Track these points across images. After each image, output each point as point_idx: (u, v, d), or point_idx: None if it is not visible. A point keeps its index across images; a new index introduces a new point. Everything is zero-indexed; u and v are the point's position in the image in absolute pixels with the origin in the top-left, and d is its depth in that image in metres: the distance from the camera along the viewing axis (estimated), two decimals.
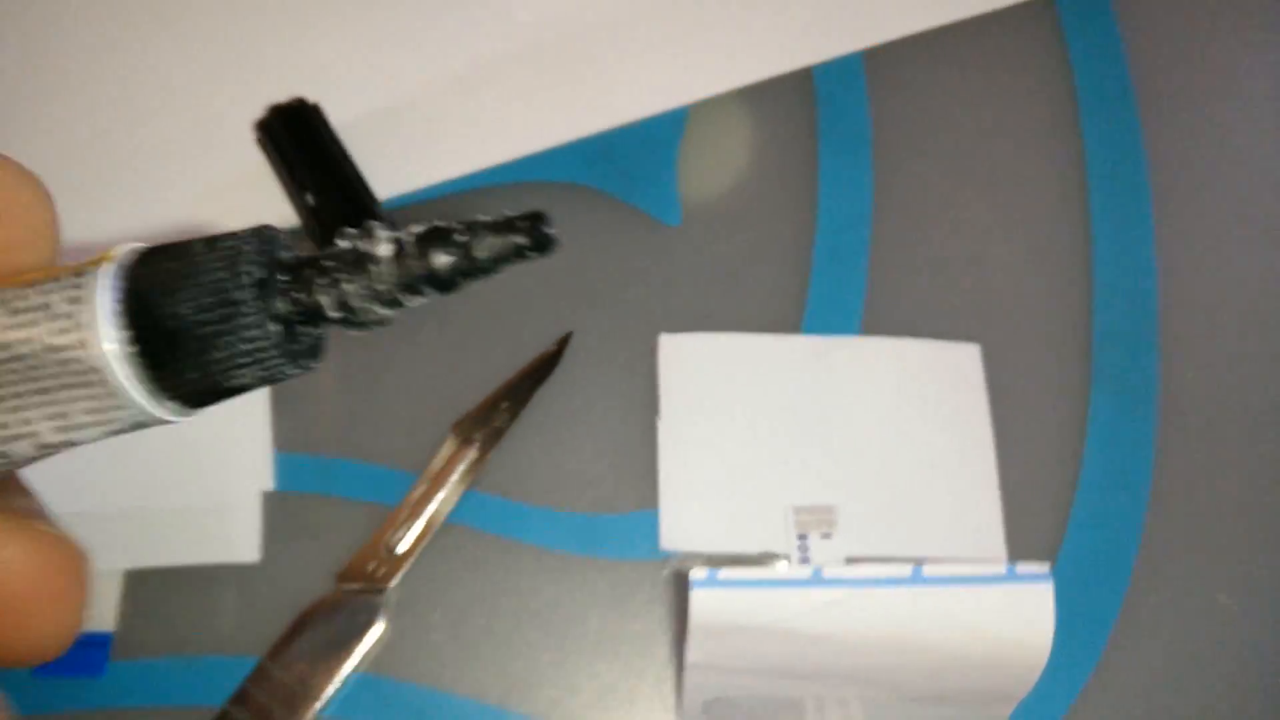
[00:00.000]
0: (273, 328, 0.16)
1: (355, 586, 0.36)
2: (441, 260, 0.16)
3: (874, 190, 0.42)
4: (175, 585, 0.36)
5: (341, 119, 0.42)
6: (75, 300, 0.15)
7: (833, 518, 0.36)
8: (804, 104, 0.44)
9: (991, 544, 0.36)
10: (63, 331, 0.15)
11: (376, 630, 0.35)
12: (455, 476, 0.37)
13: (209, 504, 0.37)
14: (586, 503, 0.37)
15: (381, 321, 0.16)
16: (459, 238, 0.16)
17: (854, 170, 0.43)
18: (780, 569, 0.29)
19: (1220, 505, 0.37)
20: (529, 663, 0.36)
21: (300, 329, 0.16)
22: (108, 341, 0.15)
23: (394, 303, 0.16)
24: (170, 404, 0.16)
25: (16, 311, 0.16)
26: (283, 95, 0.43)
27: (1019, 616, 0.29)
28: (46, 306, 0.16)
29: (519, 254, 0.16)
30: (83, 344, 0.15)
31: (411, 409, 0.39)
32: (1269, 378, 0.39)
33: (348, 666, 0.35)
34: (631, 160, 0.43)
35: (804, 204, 0.42)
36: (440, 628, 0.36)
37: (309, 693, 0.34)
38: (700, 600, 0.28)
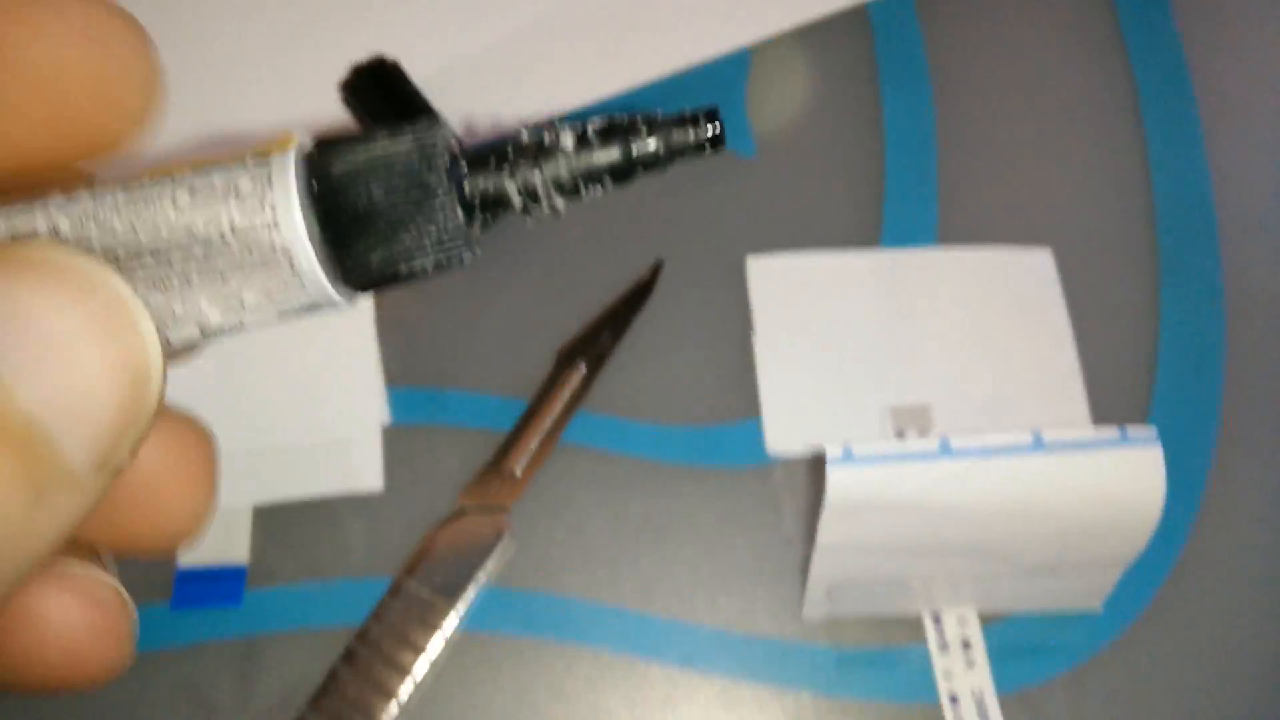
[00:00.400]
0: (459, 212, 0.16)
1: (479, 506, 0.37)
2: (622, 152, 0.16)
3: (936, 113, 0.44)
4: (304, 517, 0.38)
5: (422, 73, 0.44)
6: (263, 180, 0.15)
7: (928, 415, 0.38)
8: (861, 38, 0.46)
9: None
10: (251, 211, 0.15)
11: (503, 545, 0.37)
12: (565, 399, 0.39)
13: (330, 440, 0.39)
14: (691, 416, 0.39)
15: (555, 213, 0.17)
16: (640, 130, 0.17)
17: (915, 95, 0.45)
18: (910, 443, 0.30)
19: None
20: (648, 567, 0.37)
21: (475, 217, 0.17)
22: (297, 222, 0.15)
23: (574, 193, 0.17)
24: (344, 288, 0.16)
25: (197, 191, 0.15)
26: (363, 53, 0.44)
27: (1132, 478, 0.31)
28: (231, 186, 0.15)
29: (697, 148, 0.17)
30: (270, 224, 0.15)
31: (514, 339, 0.40)
32: None
33: (478, 580, 0.36)
34: (702, 99, 0.45)
35: (871, 130, 0.44)
36: (562, 540, 0.38)
37: (444, 606, 0.36)
38: (836, 478, 0.30)
